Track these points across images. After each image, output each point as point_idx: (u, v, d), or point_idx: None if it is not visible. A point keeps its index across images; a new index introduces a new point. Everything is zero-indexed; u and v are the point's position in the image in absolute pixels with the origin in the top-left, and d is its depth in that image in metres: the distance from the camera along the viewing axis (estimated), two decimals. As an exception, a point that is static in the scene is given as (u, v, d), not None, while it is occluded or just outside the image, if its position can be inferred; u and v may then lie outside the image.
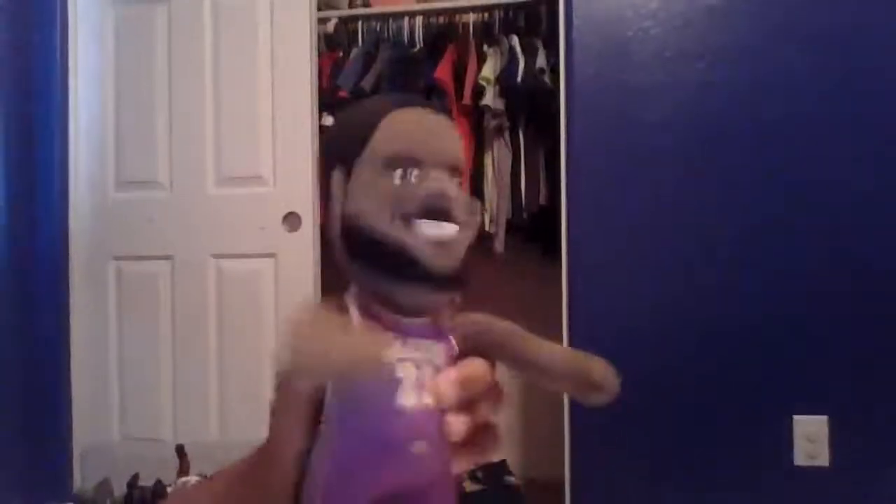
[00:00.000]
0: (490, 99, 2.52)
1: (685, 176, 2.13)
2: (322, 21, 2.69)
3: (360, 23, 2.79)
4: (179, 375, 2.46)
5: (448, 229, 0.40)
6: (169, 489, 1.95)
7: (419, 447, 0.39)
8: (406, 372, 0.39)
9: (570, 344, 2.14)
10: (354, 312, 0.40)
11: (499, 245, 2.57)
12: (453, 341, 0.43)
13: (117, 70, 2.54)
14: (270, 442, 0.41)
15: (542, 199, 2.56)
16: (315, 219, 2.39)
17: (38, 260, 2.41)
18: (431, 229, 0.40)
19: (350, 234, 0.41)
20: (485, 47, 2.63)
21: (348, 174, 0.42)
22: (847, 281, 2.02)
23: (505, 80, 2.51)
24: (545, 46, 2.52)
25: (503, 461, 2.38)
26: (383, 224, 0.40)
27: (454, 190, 0.41)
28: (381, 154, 0.41)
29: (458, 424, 0.41)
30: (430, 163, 0.41)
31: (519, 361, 0.43)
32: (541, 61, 2.49)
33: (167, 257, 2.49)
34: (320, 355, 0.33)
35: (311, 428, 0.40)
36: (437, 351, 0.41)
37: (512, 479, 2.33)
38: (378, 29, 2.78)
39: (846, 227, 2.03)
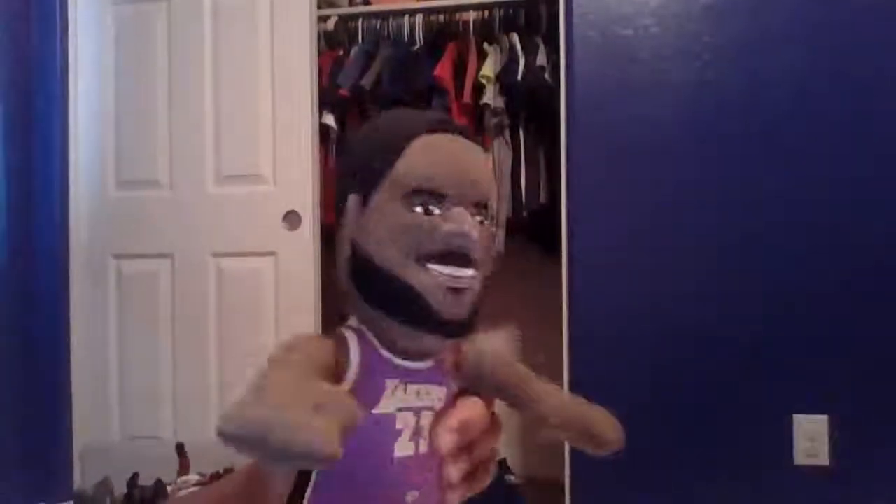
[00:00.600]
0: (490, 97, 2.51)
1: (686, 174, 2.12)
2: (322, 19, 2.68)
3: (360, 21, 2.79)
4: (179, 375, 2.46)
5: (465, 275, 0.38)
6: (169, 488, 1.95)
7: (411, 497, 0.38)
8: (405, 421, 0.38)
9: (570, 343, 2.14)
10: (355, 354, 0.37)
11: (498, 244, 2.57)
12: (453, 383, 0.41)
13: (117, 70, 2.54)
14: (251, 481, 0.40)
15: (542, 198, 2.55)
16: (315, 217, 2.39)
17: (38, 259, 2.41)
18: (448, 275, 0.37)
19: (360, 265, 0.38)
20: (485, 45, 2.63)
21: (365, 198, 0.38)
22: (847, 280, 2.02)
23: (505, 78, 2.51)
24: (545, 44, 2.51)
25: (503, 460, 2.38)
26: (397, 262, 0.37)
27: (477, 230, 0.38)
28: (402, 184, 0.37)
29: (456, 471, 0.40)
30: (455, 198, 0.38)
31: (520, 405, 0.42)
32: (541, 59, 2.49)
33: (167, 256, 2.49)
34: (259, 432, 0.30)
35: (293, 474, 0.38)
36: (438, 394, 0.40)
37: (512, 479, 2.33)
38: (378, 27, 2.78)
39: (846, 225, 2.03)
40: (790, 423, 2.03)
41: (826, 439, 2.01)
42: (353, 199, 0.38)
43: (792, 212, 2.06)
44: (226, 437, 0.31)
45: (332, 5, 2.82)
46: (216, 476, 1.90)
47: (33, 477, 2.33)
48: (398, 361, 0.38)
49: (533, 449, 2.74)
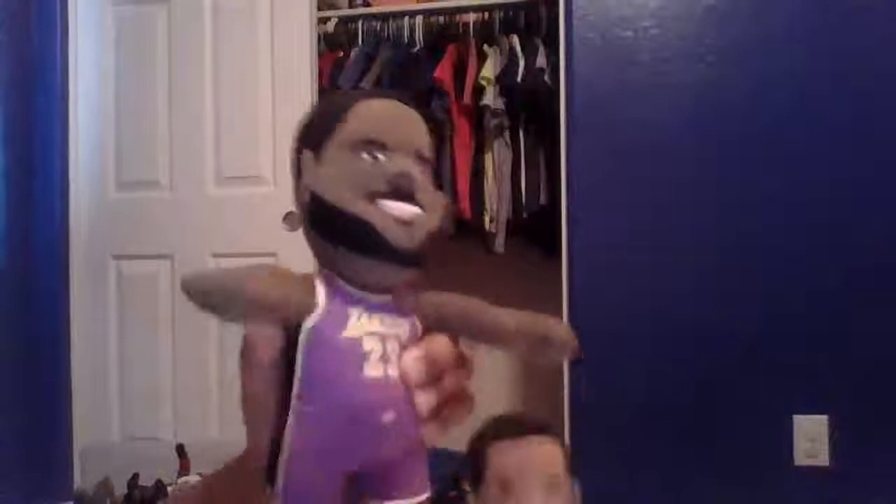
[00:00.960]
0: (490, 98, 2.52)
1: (685, 175, 2.13)
2: (322, 21, 2.69)
3: (360, 22, 2.79)
4: (179, 375, 2.46)
5: (410, 209, 0.42)
6: (169, 489, 1.95)
7: (388, 418, 0.40)
8: (372, 345, 0.41)
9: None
10: (320, 286, 0.41)
11: (499, 245, 2.57)
12: (416, 321, 0.44)
13: (117, 70, 2.54)
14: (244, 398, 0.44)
15: (542, 199, 2.56)
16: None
17: (39, 259, 2.41)
18: (396, 208, 0.41)
19: (317, 211, 0.42)
20: (485, 47, 2.63)
21: (317, 155, 0.43)
22: (848, 280, 2.02)
23: (505, 79, 2.51)
24: (545, 46, 2.52)
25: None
26: (349, 201, 0.41)
27: (418, 174, 0.43)
28: (350, 137, 0.42)
29: (425, 402, 0.42)
30: (397, 148, 0.43)
31: (475, 330, 0.45)
32: (541, 61, 2.49)
33: (167, 257, 2.49)
34: (213, 283, 0.38)
35: (278, 389, 0.41)
36: (403, 327, 0.43)
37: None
38: (378, 29, 2.78)
39: (846, 226, 2.03)
40: (790, 424, 2.04)
41: (826, 439, 2.01)
42: (307, 154, 0.43)
43: (792, 212, 2.06)
44: (184, 285, 0.37)
45: (332, 7, 2.82)
46: (216, 476, 1.89)
47: (33, 477, 2.33)
48: (360, 294, 0.42)
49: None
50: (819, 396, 2.03)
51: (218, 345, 2.44)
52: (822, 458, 2.01)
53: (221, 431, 2.39)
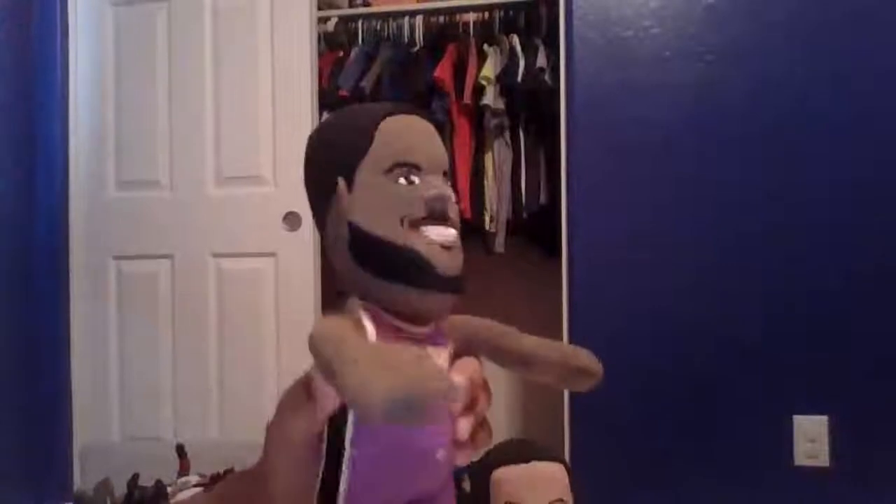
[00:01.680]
0: (490, 98, 2.52)
1: (686, 175, 2.13)
2: (322, 20, 2.69)
3: (360, 22, 2.79)
4: (179, 375, 2.46)
5: (451, 234, 0.41)
6: (169, 489, 1.95)
7: (441, 454, 0.40)
8: None
9: (571, 343, 2.13)
10: (370, 327, 0.40)
11: (499, 245, 2.57)
12: (449, 345, 0.43)
13: (117, 70, 2.54)
14: (267, 479, 0.42)
15: (542, 199, 2.56)
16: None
17: (38, 259, 2.41)
18: (439, 234, 0.40)
19: (359, 241, 0.41)
20: (485, 46, 2.63)
21: (349, 182, 0.42)
22: (848, 280, 2.02)
23: (505, 79, 2.51)
24: (545, 46, 2.52)
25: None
26: (393, 230, 0.40)
27: (450, 193, 0.42)
28: (383, 161, 0.41)
29: (466, 425, 0.41)
30: (428, 168, 0.42)
31: (506, 355, 0.44)
32: (541, 60, 2.49)
33: (167, 256, 2.49)
34: (404, 398, 0.32)
35: (307, 466, 0.40)
36: (442, 356, 0.42)
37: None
38: (378, 28, 2.78)
39: (847, 225, 2.03)
40: (790, 424, 2.04)
41: (826, 440, 2.01)
42: (341, 183, 0.42)
43: (792, 212, 2.06)
44: (387, 415, 0.34)
45: (332, 6, 2.82)
46: (216, 477, 1.89)
47: (33, 477, 2.33)
48: (405, 327, 0.41)
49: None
50: (819, 397, 2.03)
51: (218, 345, 2.44)
52: (822, 459, 2.02)
53: (221, 431, 2.39)
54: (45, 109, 2.44)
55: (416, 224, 0.40)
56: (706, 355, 2.09)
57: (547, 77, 2.47)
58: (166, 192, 2.49)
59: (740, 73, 2.10)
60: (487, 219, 2.57)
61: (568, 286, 2.18)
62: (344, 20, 2.79)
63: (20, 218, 2.35)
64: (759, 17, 2.09)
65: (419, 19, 2.73)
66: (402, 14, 2.76)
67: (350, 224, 0.41)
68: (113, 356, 2.51)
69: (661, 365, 2.11)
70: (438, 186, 0.41)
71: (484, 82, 2.52)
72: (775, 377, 2.05)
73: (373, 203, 0.41)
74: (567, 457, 2.15)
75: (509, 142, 2.58)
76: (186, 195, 2.47)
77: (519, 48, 2.54)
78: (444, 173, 0.44)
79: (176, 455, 2.15)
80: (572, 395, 2.14)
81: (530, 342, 0.44)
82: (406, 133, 0.43)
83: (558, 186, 2.27)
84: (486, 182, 2.59)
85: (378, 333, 0.40)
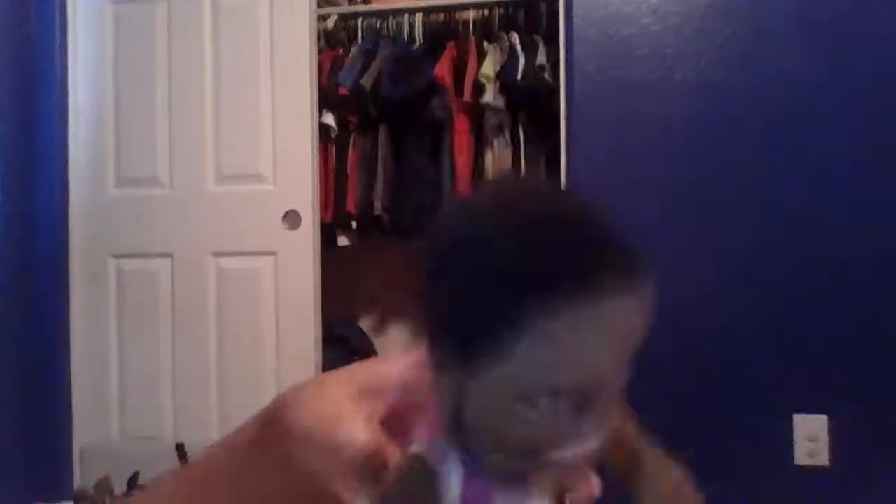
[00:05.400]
0: (490, 96, 2.51)
1: (686, 173, 2.12)
2: (322, 18, 2.68)
3: (359, 20, 2.79)
4: (179, 373, 2.46)
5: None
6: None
7: None
8: None
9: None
10: (455, 482, 0.33)
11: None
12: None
13: (117, 68, 2.53)
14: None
15: (542, 197, 2.55)
16: (315, 217, 2.39)
17: (38, 258, 2.41)
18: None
19: (459, 433, 0.32)
20: (485, 44, 2.63)
21: (466, 374, 0.30)
22: (848, 280, 2.01)
23: (505, 77, 2.51)
24: (545, 43, 2.51)
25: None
26: (500, 458, 0.31)
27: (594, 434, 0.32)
28: (514, 387, 0.29)
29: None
30: (573, 399, 0.30)
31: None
32: (541, 58, 2.48)
33: (167, 255, 2.49)
34: None
35: None
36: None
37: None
38: (378, 26, 2.78)
39: (847, 226, 2.02)
40: (790, 423, 2.03)
41: (826, 440, 2.01)
42: (446, 382, 0.31)
43: (793, 211, 2.05)
44: None
45: (331, 4, 2.82)
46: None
47: (33, 477, 2.33)
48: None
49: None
50: (819, 396, 2.02)
51: (217, 343, 2.44)
52: (822, 458, 2.01)
53: (221, 431, 2.39)
54: (45, 109, 2.44)
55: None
56: (706, 355, 2.08)
57: (547, 75, 2.46)
58: (166, 191, 2.49)
59: (740, 70, 2.09)
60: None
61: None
62: (343, 18, 2.79)
63: (20, 217, 2.36)
64: (758, 14, 2.08)
65: (419, 17, 2.72)
66: (401, 12, 2.75)
67: (457, 415, 0.31)
68: (113, 356, 2.51)
69: (660, 365, 2.10)
70: (581, 435, 0.31)
71: (484, 80, 2.51)
72: (775, 377, 2.04)
73: (488, 420, 0.31)
74: (567, 456, 2.15)
75: (509, 140, 2.58)
76: (186, 194, 2.47)
77: (519, 46, 2.54)
78: (610, 392, 0.32)
79: (176, 453, 2.15)
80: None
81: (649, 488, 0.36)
82: (571, 352, 0.29)
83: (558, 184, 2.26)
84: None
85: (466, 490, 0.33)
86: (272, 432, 0.38)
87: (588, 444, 0.31)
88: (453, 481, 0.32)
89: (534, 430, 0.30)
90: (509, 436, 0.30)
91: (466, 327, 0.29)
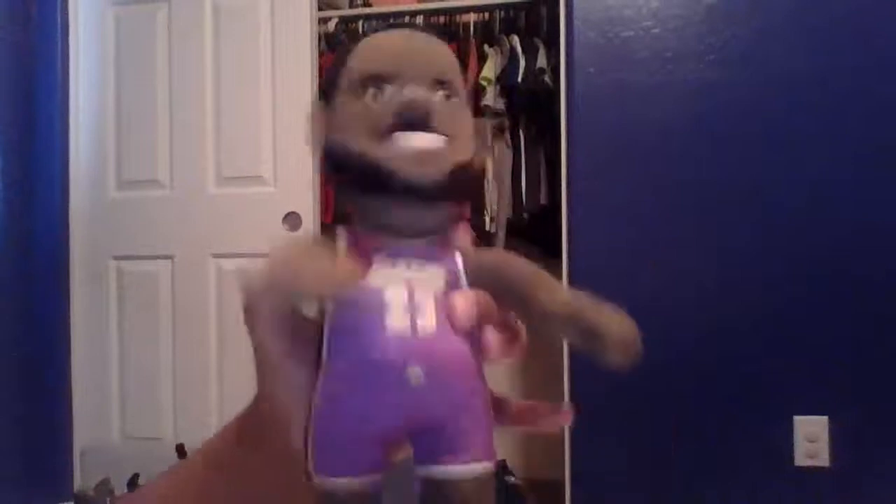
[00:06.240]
0: (491, 99, 2.52)
1: (686, 175, 2.13)
2: (323, 21, 2.69)
3: (360, 22, 2.79)
4: (179, 375, 2.46)
5: (427, 139, 0.38)
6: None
7: (416, 375, 0.36)
8: (395, 293, 0.37)
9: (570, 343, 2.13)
10: (342, 241, 0.38)
11: (499, 245, 2.57)
12: (460, 270, 0.39)
13: (117, 70, 2.54)
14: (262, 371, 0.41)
15: (542, 199, 2.56)
16: (315, 219, 2.39)
17: (39, 259, 2.41)
18: (407, 140, 0.37)
19: (329, 160, 0.39)
20: (485, 47, 2.63)
21: (328, 107, 0.40)
22: (848, 281, 2.02)
23: (505, 79, 2.51)
24: (546, 46, 2.52)
25: (503, 461, 2.38)
26: (360, 143, 0.38)
27: (432, 100, 0.38)
28: (353, 76, 0.39)
29: (464, 304, 0.37)
30: (405, 78, 0.38)
31: (522, 303, 0.39)
32: (541, 61, 2.49)
33: (167, 257, 2.49)
34: (289, 273, 0.33)
35: (299, 353, 0.38)
36: (437, 274, 0.38)
37: (512, 479, 2.33)
38: (378, 29, 2.78)
39: (847, 226, 2.03)
40: (791, 424, 2.03)
41: (826, 440, 2.01)
42: (316, 105, 0.40)
43: (793, 212, 2.06)
44: (259, 279, 0.34)
45: (332, 7, 2.83)
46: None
47: (33, 477, 2.33)
48: (387, 240, 0.38)
49: (533, 449, 2.74)
50: (819, 397, 2.03)
51: (218, 345, 2.44)
52: (823, 459, 2.01)
53: (221, 431, 2.39)
54: (45, 109, 2.44)
55: (383, 135, 0.37)
56: (707, 355, 2.09)
57: (547, 78, 2.47)
58: (167, 193, 2.50)
59: (740, 73, 2.10)
60: (487, 219, 2.57)
61: (568, 286, 2.17)
62: (344, 20, 2.80)
63: (20, 218, 2.35)
64: (759, 17, 2.09)
65: (419, 20, 2.73)
66: (402, 14, 2.76)
67: (325, 142, 0.39)
68: (113, 356, 2.51)
69: (661, 365, 2.10)
70: (413, 93, 0.38)
71: (484, 83, 2.52)
72: (776, 378, 2.05)
73: (342, 120, 0.39)
74: (567, 456, 2.16)
75: (509, 142, 2.58)
76: (187, 195, 2.48)
77: (519, 49, 2.55)
78: (440, 82, 0.39)
79: (176, 454, 2.15)
80: (573, 395, 2.14)
81: (557, 293, 0.39)
82: (384, 45, 0.40)
83: (558, 187, 2.27)
84: (486, 183, 2.59)
85: (351, 245, 0.38)
86: (248, 420, 0.43)
87: (417, 102, 0.38)
88: (340, 240, 0.38)
89: (367, 105, 0.38)
90: (352, 123, 0.38)
91: (329, 67, 0.41)
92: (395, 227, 0.38)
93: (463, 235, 0.41)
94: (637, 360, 0.39)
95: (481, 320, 0.38)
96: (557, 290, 0.39)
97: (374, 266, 0.37)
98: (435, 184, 0.38)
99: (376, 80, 0.38)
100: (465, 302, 0.37)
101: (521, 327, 0.41)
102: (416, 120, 0.37)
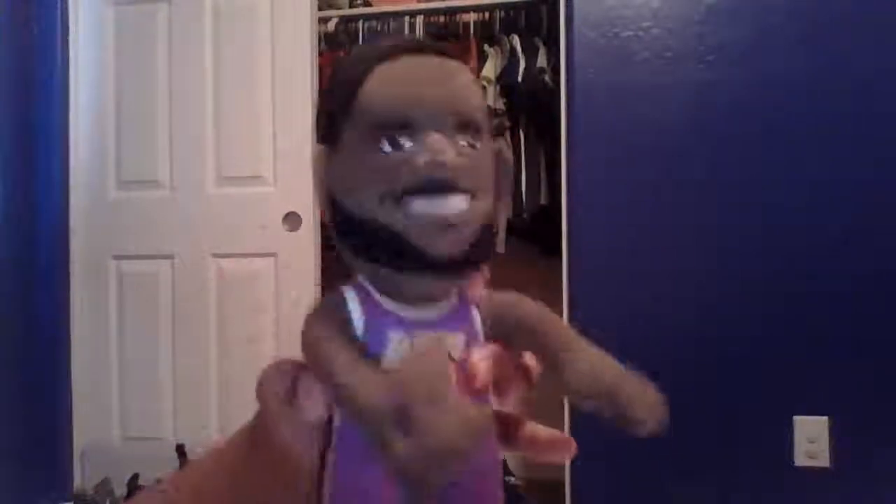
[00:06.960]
0: (491, 99, 2.52)
1: (686, 176, 2.13)
2: (323, 20, 2.69)
3: (360, 22, 2.79)
4: (179, 375, 2.46)
5: (450, 205, 0.33)
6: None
7: None
8: None
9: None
10: (356, 311, 0.35)
11: (499, 245, 2.57)
12: (477, 327, 0.37)
13: (117, 70, 2.54)
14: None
15: (542, 199, 2.56)
16: (315, 218, 2.39)
17: (39, 259, 2.41)
18: (427, 208, 0.33)
19: (341, 216, 0.35)
20: (485, 47, 2.63)
21: (334, 149, 0.35)
22: (849, 281, 2.02)
23: (505, 79, 2.51)
24: (546, 46, 2.52)
25: (503, 461, 2.38)
26: (373, 206, 0.34)
27: (456, 155, 0.34)
28: (365, 122, 0.34)
29: (484, 369, 0.36)
30: (426, 124, 0.34)
31: (544, 360, 0.38)
32: (541, 61, 2.49)
33: (167, 257, 2.49)
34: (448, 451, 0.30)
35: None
36: (455, 340, 0.36)
37: (512, 479, 2.33)
38: (379, 28, 2.78)
39: (847, 226, 2.03)
40: (791, 424, 2.03)
41: (826, 440, 2.01)
42: (318, 150, 0.36)
43: (793, 213, 2.06)
44: (430, 483, 0.31)
45: (332, 6, 2.83)
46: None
47: (33, 477, 2.33)
48: (403, 312, 0.35)
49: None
50: (820, 397, 2.03)
51: (218, 345, 2.44)
52: (823, 459, 2.01)
53: (221, 431, 2.39)
54: (46, 109, 2.44)
55: (400, 198, 0.33)
56: (706, 355, 2.09)
57: (547, 77, 2.47)
58: (167, 193, 2.49)
59: (740, 73, 2.09)
60: (487, 219, 2.57)
61: (568, 286, 2.18)
62: (344, 20, 2.80)
63: (21, 218, 2.35)
64: (759, 17, 2.09)
65: (419, 19, 2.73)
66: (402, 14, 2.76)
67: (332, 197, 0.35)
68: (113, 356, 2.51)
69: (661, 365, 2.10)
70: (437, 149, 0.33)
71: (484, 83, 2.52)
72: (775, 377, 2.05)
73: (352, 174, 0.34)
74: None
75: (510, 142, 2.58)
76: (187, 195, 2.47)
77: (519, 48, 2.55)
78: (464, 126, 0.34)
79: (176, 454, 2.15)
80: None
81: (580, 364, 0.37)
82: (397, 82, 0.34)
83: (558, 186, 2.27)
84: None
85: (366, 316, 0.35)
86: (256, 429, 0.43)
87: (439, 161, 0.33)
88: (352, 304, 0.35)
89: (391, 163, 0.33)
90: (366, 180, 0.33)
91: (330, 99, 0.36)
92: (409, 297, 0.35)
93: (477, 285, 0.38)
94: (663, 428, 0.39)
95: (497, 376, 0.37)
96: (581, 360, 0.38)
97: (391, 336, 0.35)
98: (458, 255, 0.34)
99: (391, 129, 0.34)
100: (484, 366, 0.36)
101: (535, 366, 0.40)
102: (436, 183, 0.33)
